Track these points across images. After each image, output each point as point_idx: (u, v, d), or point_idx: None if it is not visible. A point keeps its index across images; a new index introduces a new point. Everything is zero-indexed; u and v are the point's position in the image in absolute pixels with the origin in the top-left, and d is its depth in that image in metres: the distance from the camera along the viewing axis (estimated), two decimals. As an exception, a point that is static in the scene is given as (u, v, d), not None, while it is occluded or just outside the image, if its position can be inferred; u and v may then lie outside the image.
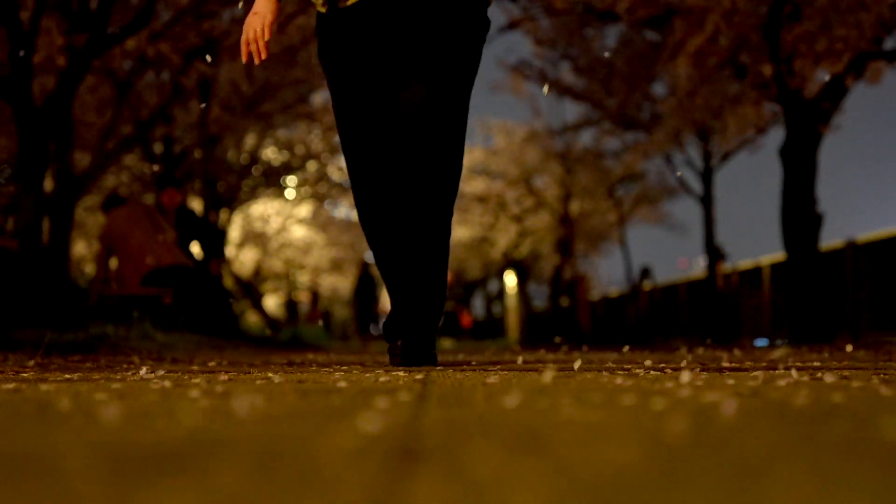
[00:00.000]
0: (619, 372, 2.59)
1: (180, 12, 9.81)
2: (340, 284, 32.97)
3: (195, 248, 10.22)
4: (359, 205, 3.53)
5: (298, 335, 15.21)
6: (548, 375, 2.37)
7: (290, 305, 29.87)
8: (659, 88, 15.17)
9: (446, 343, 20.50)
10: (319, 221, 26.66)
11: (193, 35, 10.28)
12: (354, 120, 3.43)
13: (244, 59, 3.46)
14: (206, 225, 10.67)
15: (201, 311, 9.26)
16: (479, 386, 2.04)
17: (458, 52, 3.37)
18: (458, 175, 3.48)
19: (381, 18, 3.30)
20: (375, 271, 27.76)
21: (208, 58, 9.99)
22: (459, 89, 3.41)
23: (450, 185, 3.44)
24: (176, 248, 8.95)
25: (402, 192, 3.42)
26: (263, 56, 3.41)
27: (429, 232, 3.42)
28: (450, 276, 23.45)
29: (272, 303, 28.84)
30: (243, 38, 3.46)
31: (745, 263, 14.62)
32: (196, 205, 14.61)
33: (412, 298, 3.46)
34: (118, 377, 2.43)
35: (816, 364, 3.09)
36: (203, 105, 12.33)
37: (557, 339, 13.45)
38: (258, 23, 3.42)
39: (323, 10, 3.41)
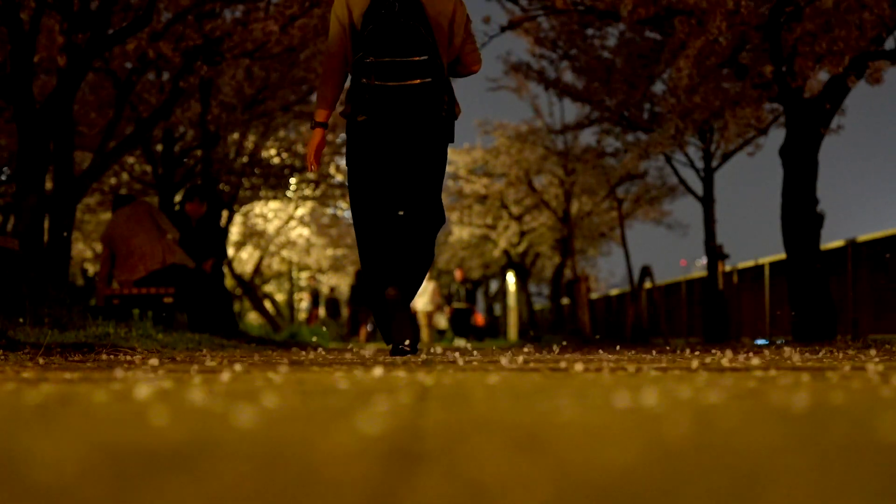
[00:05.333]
0: (620, 372, 2.59)
1: (181, 12, 9.80)
2: (341, 284, 32.95)
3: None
4: (359, 237, 4.88)
5: (298, 335, 15.19)
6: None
7: (291, 305, 29.85)
8: (659, 88, 15.13)
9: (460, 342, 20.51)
10: (320, 222, 26.65)
11: (194, 35, 10.27)
12: (364, 187, 4.86)
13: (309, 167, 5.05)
14: (219, 231, 10.59)
15: (201, 310, 9.25)
16: (479, 386, 2.04)
17: (432, 149, 4.85)
18: (439, 216, 4.89)
19: (381, 128, 4.78)
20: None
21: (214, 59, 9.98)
22: (433, 167, 4.88)
23: (433, 223, 4.84)
24: (177, 248, 8.94)
25: (395, 223, 4.82)
26: (315, 168, 5.00)
27: (414, 256, 4.76)
28: (459, 274, 23.62)
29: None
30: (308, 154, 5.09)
31: (745, 263, 14.60)
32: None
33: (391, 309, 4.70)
34: (118, 377, 2.43)
35: (816, 364, 3.09)
36: (202, 108, 12.33)
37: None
38: (309, 148, 4.98)
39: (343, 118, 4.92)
